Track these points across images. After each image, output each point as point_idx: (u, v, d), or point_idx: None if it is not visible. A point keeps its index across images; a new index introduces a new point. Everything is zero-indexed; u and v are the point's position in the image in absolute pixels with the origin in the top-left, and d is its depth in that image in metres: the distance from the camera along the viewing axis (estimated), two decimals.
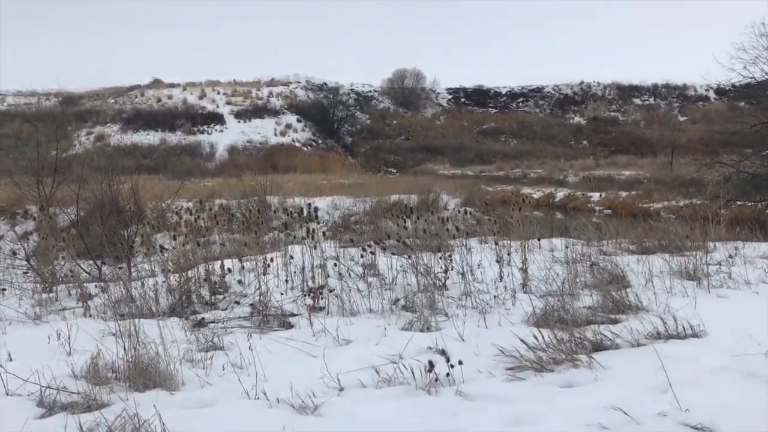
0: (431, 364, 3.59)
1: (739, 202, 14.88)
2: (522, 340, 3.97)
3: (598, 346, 4.02)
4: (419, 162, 49.99)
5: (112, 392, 3.66)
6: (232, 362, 4.01)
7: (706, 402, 3.16)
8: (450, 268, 5.82)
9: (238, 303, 5.41)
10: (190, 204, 17.70)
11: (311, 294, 5.31)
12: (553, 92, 70.40)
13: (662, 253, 7.19)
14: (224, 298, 5.69)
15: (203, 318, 5.01)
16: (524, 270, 5.70)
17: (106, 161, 23.42)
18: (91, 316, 5.42)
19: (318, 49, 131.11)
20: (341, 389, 3.65)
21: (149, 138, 50.44)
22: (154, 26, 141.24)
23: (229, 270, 6.29)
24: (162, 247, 6.50)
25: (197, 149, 48.65)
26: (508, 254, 6.24)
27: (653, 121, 61.97)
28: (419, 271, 5.66)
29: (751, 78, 15.26)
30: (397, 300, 5.26)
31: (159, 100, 58.95)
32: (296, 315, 5.10)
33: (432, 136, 59.58)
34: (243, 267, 6.67)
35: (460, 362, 3.63)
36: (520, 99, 69.83)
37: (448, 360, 3.63)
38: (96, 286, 6.39)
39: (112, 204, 15.15)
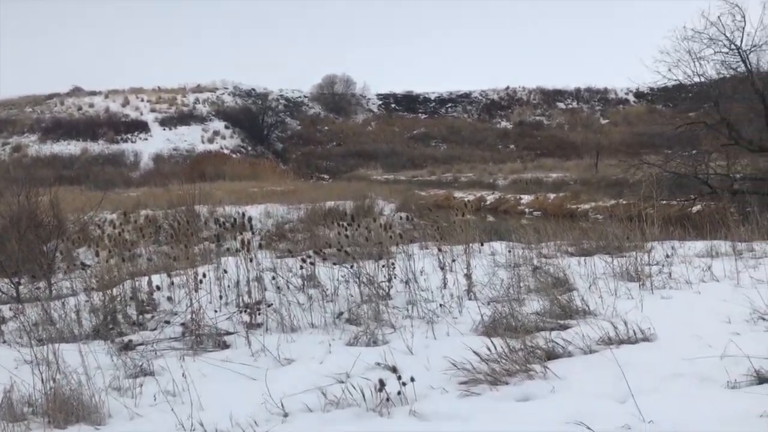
0: (381, 383, 3.36)
1: (664, 202, 15.27)
2: (475, 352, 3.79)
3: (551, 355, 3.89)
4: (352, 167, 49.93)
5: (29, 430, 3.27)
6: (163, 389, 3.66)
7: (667, 411, 3.05)
8: (393, 277, 5.59)
9: (168, 323, 5.03)
10: (114, 216, 16.97)
11: (247, 310, 4.98)
12: (480, 97, 71.67)
13: (602, 254, 7.19)
14: (153, 317, 5.30)
15: (130, 340, 4.61)
16: (468, 276, 5.53)
17: (23, 172, 22.29)
18: (5, 342, 4.93)
19: (245, 54, 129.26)
20: (285, 415, 3.37)
21: (70, 148, 48.60)
22: (72, 31, 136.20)
23: (158, 287, 5.89)
24: (84, 264, 6.00)
25: (121, 158, 47.17)
26: (453, 260, 6.08)
27: (577, 124, 63.83)
28: (362, 281, 5.42)
29: (676, 80, 15.71)
30: (341, 313, 4.99)
31: (80, 109, 56.89)
32: (232, 333, 4.76)
33: (364, 141, 59.67)
34: (172, 282, 6.27)
35: (412, 379, 3.42)
36: (449, 104, 70.82)
37: (399, 377, 3.41)
38: (11, 308, 5.86)
39: (29, 218, 14.35)
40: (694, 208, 15.84)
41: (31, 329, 4.90)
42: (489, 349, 3.82)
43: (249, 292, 5.34)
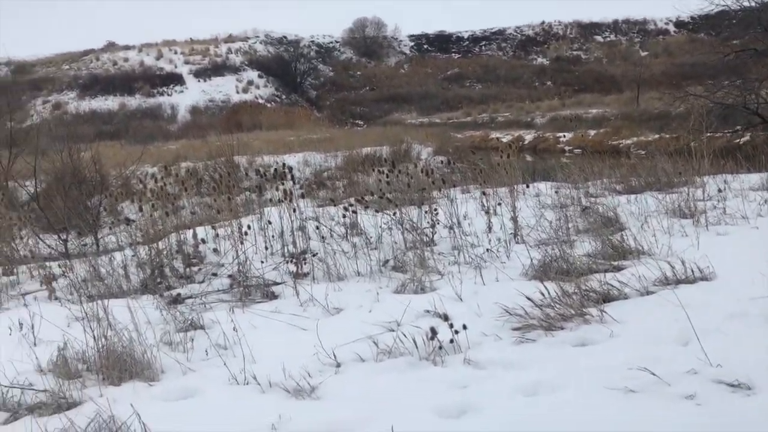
0: (433, 332, 3.29)
1: (710, 134, 14.74)
2: (527, 297, 3.69)
3: (607, 297, 3.76)
4: (386, 112, 49.47)
5: (84, 387, 3.29)
6: (214, 343, 3.66)
7: (735, 354, 2.91)
8: (437, 223, 5.48)
9: (215, 275, 5.02)
10: (155, 169, 17.12)
11: (294, 260, 4.93)
12: (515, 34, 70.00)
13: (651, 191, 6.97)
14: (200, 270, 5.30)
15: (179, 294, 4.61)
16: (514, 219, 5.38)
17: (65, 130, 22.56)
18: (57, 299, 4.96)
19: (273, 1, 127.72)
20: (338, 365, 3.33)
21: (108, 103, 49.03)
22: None
23: (203, 240, 5.89)
24: (128, 219, 6.01)
25: (158, 112, 47.45)
26: (498, 204, 5.93)
27: (615, 58, 62.06)
28: (405, 227, 5.33)
29: (724, 5, 14.92)
30: (387, 261, 4.91)
31: (115, 64, 57.13)
32: (279, 283, 4.72)
33: (397, 85, 58.95)
34: (217, 235, 6.27)
35: (465, 327, 3.34)
36: (483, 42, 69.36)
37: (451, 325, 3.33)
38: (60, 265, 5.94)
39: (73, 175, 14.55)
40: (743, 140, 15.25)
41: (80, 286, 4.94)
42: (542, 294, 3.71)
43: (294, 242, 5.27)
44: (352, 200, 8.10)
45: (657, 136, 24.66)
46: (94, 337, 3.48)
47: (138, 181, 16.21)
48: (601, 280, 3.94)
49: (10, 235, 7.00)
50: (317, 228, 5.86)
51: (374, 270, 4.81)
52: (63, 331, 3.71)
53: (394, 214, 5.53)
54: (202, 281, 5.06)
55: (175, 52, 59.29)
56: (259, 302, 4.42)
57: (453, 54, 67.82)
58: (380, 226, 5.78)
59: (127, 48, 60.93)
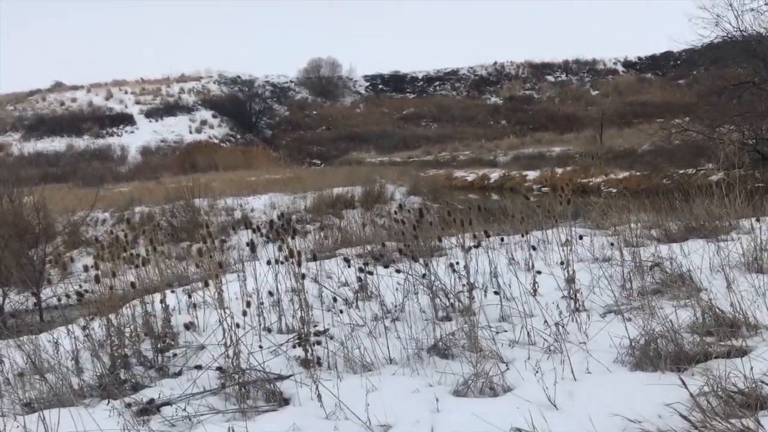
0: None
1: (702, 171, 14.16)
2: (683, 416, 2.57)
3: (763, 401, 2.73)
4: (344, 151, 48.80)
5: None
6: None
7: None
8: (472, 285, 4.36)
9: (199, 367, 3.79)
10: (107, 215, 15.76)
11: (300, 342, 3.74)
12: (468, 74, 70.76)
13: (694, 237, 6.06)
14: (174, 355, 4.08)
15: (152, 400, 3.37)
16: (572, 279, 4.29)
17: (7, 172, 20.95)
18: None
19: (227, 41, 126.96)
20: None
21: (55, 144, 46.98)
22: (51, 26, 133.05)
23: (170, 310, 4.66)
24: (79, 293, 4.62)
25: (108, 153, 45.60)
26: (535, 252, 4.89)
27: (567, 97, 63.06)
28: (434, 291, 4.24)
29: (725, 35, 14.48)
30: (434, 345, 3.69)
31: (62, 104, 55.15)
32: (287, 377, 3.55)
33: (353, 124, 58.53)
34: (192, 301, 5.09)
35: None
36: (437, 83, 69.93)
37: None
38: None
39: (14, 223, 13.07)
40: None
41: (15, 385, 3.67)
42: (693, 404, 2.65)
43: (301, 314, 4.01)
44: (346, 251, 7.01)
45: (627, 173, 24.35)
46: None
47: (87, 228, 14.82)
48: (732, 370, 2.91)
49: None
50: (320, 292, 4.75)
51: (410, 355, 3.66)
52: None
53: (423, 275, 4.39)
54: (179, 373, 3.85)
55: (126, 92, 57.67)
56: (265, 410, 3.19)
57: (408, 94, 68.08)
58: (396, 288, 4.69)
59: (75, 88, 59.03)
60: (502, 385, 3.16)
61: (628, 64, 71.31)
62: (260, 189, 18.41)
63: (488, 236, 4.68)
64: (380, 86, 68.98)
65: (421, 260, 4.33)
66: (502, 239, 5.98)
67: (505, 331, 3.85)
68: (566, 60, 71.71)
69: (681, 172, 22.44)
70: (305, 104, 63.41)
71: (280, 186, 18.67)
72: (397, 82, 69.67)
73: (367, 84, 69.02)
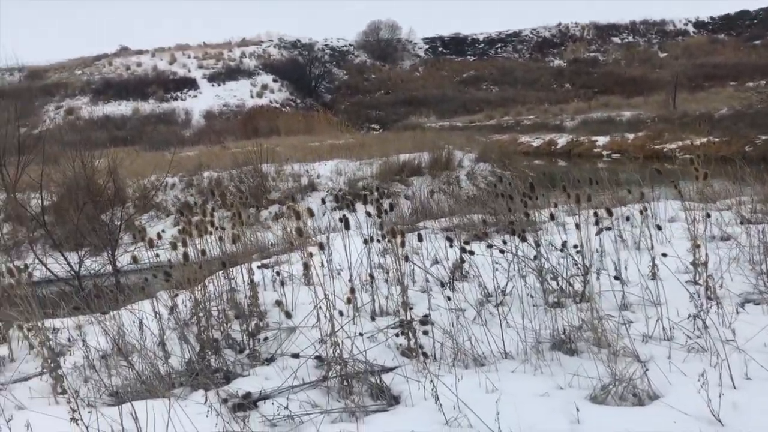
0: None
1: None
2: None
3: None
4: (402, 116, 48.22)
5: None
6: None
7: None
8: (588, 267, 3.96)
9: (296, 356, 3.54)
10: (176, 179, 15.80)
11: (404, 330, 3.44)
12: (531, 36, 69.00)
13: None
14: (265, 339, 3.83)
15: (248, 393, 3.10)
16: (703, 263, 3.79)
17: (79, 135, 21.26)
18: (62, 393, 3.29)
19: (287, 4, 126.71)
20: None
21: (121, 108, 47.93)
22: None
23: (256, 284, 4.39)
24: (167, 271, 4.34)
25: (172, 117, 46.27)
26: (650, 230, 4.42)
27: (634, 60, 60.77)
28: (544, 275, 3.88)
29: None
30: (564, 341, 3.26)
31: (128, 68, 56.10)
32: (391, 369, 3.26)
33: (413, 88, 57.77)
34: (278, 276, 4.84)
35: None
36: (499, 45, 68.44)
37: None
38: (69, 340, 4.40)
39: (87, 186, 13.20)
40: None
41: (99, 370, 3.46)
42: None
43: (403, 297, 3.62)
44: (427, 224, 6.70)
45: (705, 139, 23.16)
46: None
47: (157, 193, 14.90)
48: None
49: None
50: (411, 271, 4.43)
51: (528, 349, 3.31)
52: None
53: (535, 256, 3.99)
54: (271, 359, 3.61)
55: (189, 57, 58.24)
56: (375, 410, 2.91)
57: (468, 56, 66.77)
58: (495, 269, 4.33)
59: (140, 53, 59.96)
60: (647, 391, 2.78)
61: (699, 25, 68.21)
62: (324, 155, 18.17)
63: (610, 214, 4.25)
64: (440, 49, 67.83)
65: (530, 239, 3.95)
66: (596, 213, 5.55)
67: (631, 322, 3.46)
68: (633, 21, 69.09)
69: (765, 138, 21.25)
70: (364, 68, 62.87)
71: (345, 152, 18.38)
72: (457, 44, 68.36)
73: (427, 47, 67.98)
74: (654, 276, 4.06)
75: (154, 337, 3.78)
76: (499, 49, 68.29)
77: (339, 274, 4.71)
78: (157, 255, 4.95)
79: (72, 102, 49.42)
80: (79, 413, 2.60)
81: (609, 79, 55.06)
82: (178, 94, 50.93)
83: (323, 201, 9.16)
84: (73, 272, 9.51)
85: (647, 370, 2.92)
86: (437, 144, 17.14)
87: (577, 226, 4.00)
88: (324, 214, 8.22)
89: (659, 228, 4.23)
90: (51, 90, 51.18)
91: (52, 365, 3.42)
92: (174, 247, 4.16)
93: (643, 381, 2.80)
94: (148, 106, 48.29)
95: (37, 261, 9.38)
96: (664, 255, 3.97)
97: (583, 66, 61.12)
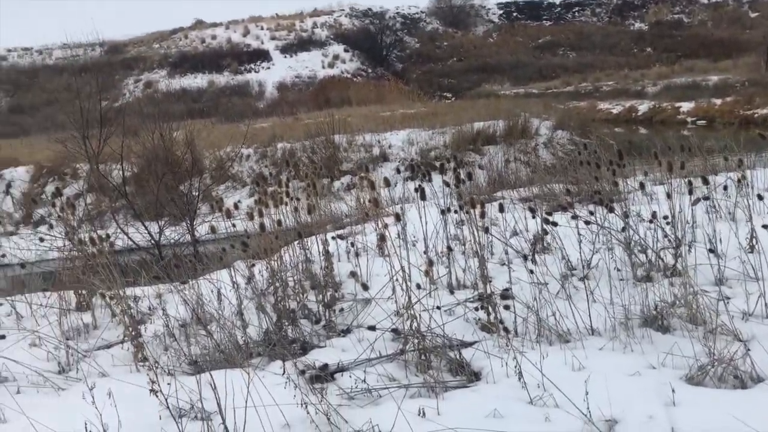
0: None
1: None
2: None
3: None
4: (475, 84, 47.41)
5: None
6: None
7: None
8: (681, 239, 3.72)
9: (372, 328, 3.48)
10: (251, 150, 16.02)
11: (484, 304, 3.32)
12: None
13: None
14: (340, 310, 3.79)
15: (325, 365, 3.07)
16: None
17: (156, 108, 21.92)
18: (144, 361, 3.42)
19: None
20: None
21: (197, 81, 49.00)
22: None
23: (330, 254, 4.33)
24: (244, 241, 4.34)
25: (246, 89, 47.00)
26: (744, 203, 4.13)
27: (721, 21, 57.60)
28: (633, 247, 3.67)
29: None
30: (658, 317, 3.13)
31: (203, 41, 57.20)
32: (470, 344, 3.15)
33: (486, 54, 56.62)
34: (353, 247, 4.79)
35: None
36: (576, 8, 66.21)
37: None
38: (150, 308, 4.50)
39: (165, 158, 13.53)
40: None
41: (178, 339, 3.50)
42: None
43: (482, 270, 3.50)
44: (504, 194, 6.51)
45: None
46: None
47: (233, 164, 15.15)
48: None
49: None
50: (489, 243, 4.28)
51: (616, 325, 3.13)
52: None
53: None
54: (347, 331, 3.55)
55: (262, 28, 58.81)
56: (455, 385, 2.81)
57: (544, 21, 64.91)
58: (579, 241, 4.14)
59: (214, 25, 60.95)
60: (750, 373, 2.57)
61: None
62: (396, 124, 18.01)
63: (706, 183, 3.98)
64: (514, 14, 66.13)
65: (617, 209, 3.74)
66: (690, 182, 5.25)
67: (729, 298, 3.23)
68: None
69: None
70: (436, 35, 62.01)
71: (417, 121, 18.17)
72: (532, 8, 66.51)
73: (501, 12, 66.44)
74: (752, 249, 3.79)
75: (232, 307, 3.79)
76: (576, 13, 66.08)
77: (414, 245, 4.60)
78: (234, 225, 4.98)
79: (150, 75, 50.82)
80: (158, 383, 2.61)
81: (694, 41, 52.46)
82: (252, 66, 51.61)
83: (398, 170, 9.02)
84: (153, 241, 9.78)
85: (749, 350, 2.69)
86: (512, 112, 16.71)
87: (669, 195, 3.75)
88: (396, 184, 8.14)
89: (760, 198, 3.92)
90: (130, 64, 52.77)
91: (133, 333, 3.49)
92: (251, 217, 4.17)
93: (745, 362, 2.59)
94: (222, 79, 49.17)
95: (119, 230, 9.67)
96: (765, 227, 3.69)
97: (666, 29, 58.44)
